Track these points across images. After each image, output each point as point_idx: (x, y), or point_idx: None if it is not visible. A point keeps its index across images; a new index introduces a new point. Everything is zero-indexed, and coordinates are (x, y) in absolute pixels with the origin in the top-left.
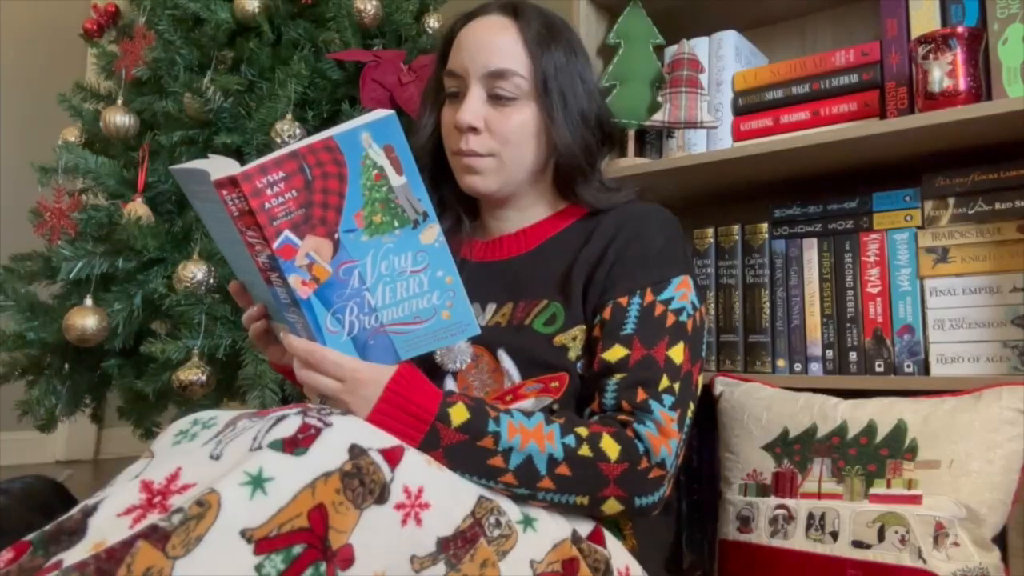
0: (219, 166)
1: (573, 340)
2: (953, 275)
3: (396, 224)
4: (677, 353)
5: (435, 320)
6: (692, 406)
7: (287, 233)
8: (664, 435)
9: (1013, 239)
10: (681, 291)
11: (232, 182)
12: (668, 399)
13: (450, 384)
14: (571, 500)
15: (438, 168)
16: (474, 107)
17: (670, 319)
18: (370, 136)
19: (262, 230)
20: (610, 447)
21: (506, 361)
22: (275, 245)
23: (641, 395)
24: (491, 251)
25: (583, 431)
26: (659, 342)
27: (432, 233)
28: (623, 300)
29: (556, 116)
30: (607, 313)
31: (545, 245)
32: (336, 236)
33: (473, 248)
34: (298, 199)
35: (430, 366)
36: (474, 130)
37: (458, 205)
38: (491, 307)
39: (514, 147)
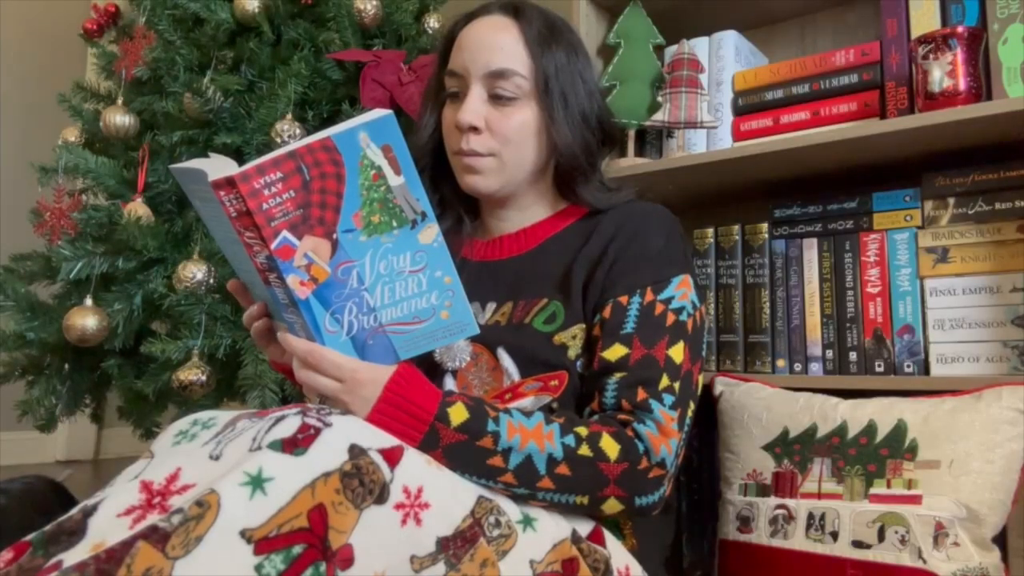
0: (218, 166)
1: (573, 339)
2: (953, 275)
3: (394, 224)
4: (677, 352)
5: (434, 320)
6: (692, 406)
7: (285, 234)
8: (664, 434)
9: (1013, 239)
10: (681, 290)
11: (229, 183)
12: (668, 398)
13: (449, 382)
14: (571, 500)
15: (439, 168)
16: (475, 107)
17: (670, 318)
18: (368, 136)
19: (260, 231)
20: (610, 447)
21: (505, 359)
22: (273, 246)
23: (641, 394)
24: (491, 250)
25: (583, 431)
26: (659, 341)
27: (431, 233)
28: (623, 299)
29: (557, 116)
30: (607, 312)
31: (545, 244)
32: (334, 236)
33: (474, 248)
34: (296, 199)
35: (429, 364)
36: (475, 130)
37: (459, 205)
38: (491, 306)
39: (515, 147)
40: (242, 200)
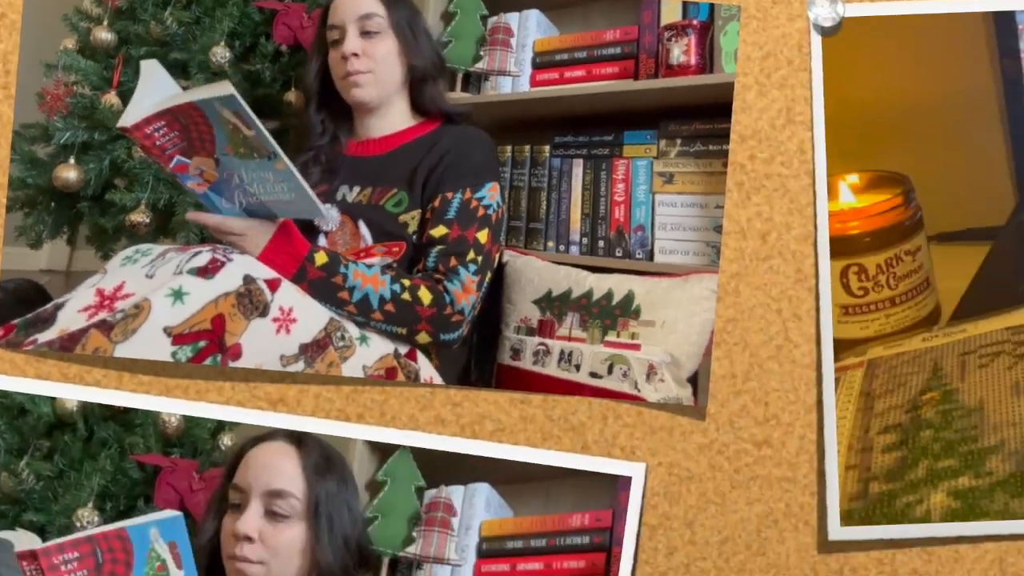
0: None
1: (412, 219)
2: (676, 193)
3: None
4: (483, 236)
5: (295, 207)
6: (489, 274)
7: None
8: (466, 291)
9: (719, 172)
10: (491, 193)
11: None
12: (472, 267)
13: (322, 240)
14: (393, 330)
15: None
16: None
17: (481, 212)
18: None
19: None
20: (425, 296)
21: (363, 229)
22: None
23: (453, 262)
24: (361, 149)
25: (407, 282)
26: (471, 227)
27: None
28: (449, 195)
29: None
30: (437, 202)
31: (399, 149)
32: None
33: (348, 146)
34: None
35: (309, 226)
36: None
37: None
38: (356, 188)
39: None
40: None
